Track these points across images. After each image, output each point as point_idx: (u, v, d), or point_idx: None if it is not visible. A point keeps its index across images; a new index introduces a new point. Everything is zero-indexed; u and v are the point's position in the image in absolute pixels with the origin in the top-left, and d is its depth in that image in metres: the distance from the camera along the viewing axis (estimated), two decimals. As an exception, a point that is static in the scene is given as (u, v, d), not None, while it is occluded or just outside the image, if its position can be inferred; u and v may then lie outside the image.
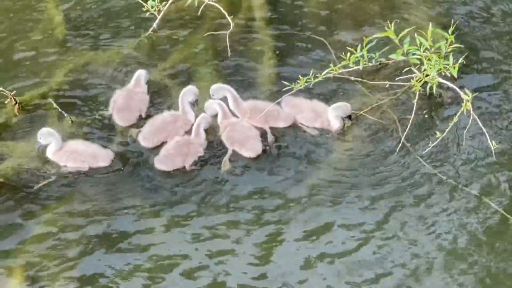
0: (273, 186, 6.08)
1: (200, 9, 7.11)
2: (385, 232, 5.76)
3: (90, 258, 5.64)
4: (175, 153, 6.22)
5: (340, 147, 6.37)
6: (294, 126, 6.50)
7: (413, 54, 6.14)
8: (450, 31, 6.05)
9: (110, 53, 7.20)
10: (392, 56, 6.34)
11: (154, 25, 7.33)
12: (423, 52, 6.05)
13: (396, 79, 6.60)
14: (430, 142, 6.14)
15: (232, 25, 7.03)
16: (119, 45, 7.28)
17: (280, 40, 7.28)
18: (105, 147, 6.33)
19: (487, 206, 5.89)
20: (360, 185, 6.07)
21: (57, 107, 6.56)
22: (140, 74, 6.78)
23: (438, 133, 6.08)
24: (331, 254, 5.63)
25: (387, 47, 6.38)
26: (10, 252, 5.68)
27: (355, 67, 6.32)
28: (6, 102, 6.67)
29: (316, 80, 6.25)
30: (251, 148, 6.30)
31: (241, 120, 6.48)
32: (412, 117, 6.27)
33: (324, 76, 6.29)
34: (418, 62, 6.15)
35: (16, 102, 6.63)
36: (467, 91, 6.07)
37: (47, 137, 6.23)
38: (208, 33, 7.21)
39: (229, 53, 6.95)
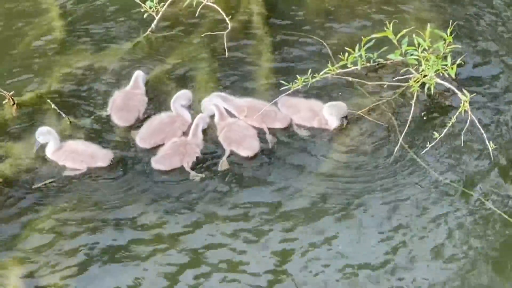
0: (274, 196, 6.02)
1: (198, 10, 7.12)
2: (385, 235, 5.73)
3: (89, 264, 5.60)
4: (172, 152, 6.21)
5: (338, 148, 6.35)
6: (291, 127, 6.48)
7: (411, 55, 6.15)
8: (448, 31, 6.05)
9: (108, 53, 7.21)
10: (390, 56, 6.36)
11: (153, 25, 7.34)
12: (421, 52, 6.05)
13: (394, 79, 6.60)
14: (428, 143, 6.12)
15: (229, 25, 7.03)
16: (118, 45, 7.29)
17: (278, 40, 7.27)
18: (104, 147, 6.32)
19: (486, 208, 5.87)
20: (358, 188, 6.04)
21: (55, 107, 6.56)
22: (139, 75, 6.77)
23: (436, 133, 6.06)
24: (336, 263, 5.59)
25: (385, 47, 6.39)
26: (7, 254, 5.67)
27: (353, 67, 6.33)
28: (4, 102, 6.68)
29: (314, 80, 6.25)
30: (248, 147, 6.27)
31: (238, 120, 6.48)
32: (410, 118, 6.26)
33: (321, 76, 6.29)
34: (416, 62, 6.14)
35: (14, 103, 6.64)
36: (465, 91, 6.07)
37: (45, 135, 6.23)
38: (206, 34, 7.20)
39: (227, 53, 6.96)
